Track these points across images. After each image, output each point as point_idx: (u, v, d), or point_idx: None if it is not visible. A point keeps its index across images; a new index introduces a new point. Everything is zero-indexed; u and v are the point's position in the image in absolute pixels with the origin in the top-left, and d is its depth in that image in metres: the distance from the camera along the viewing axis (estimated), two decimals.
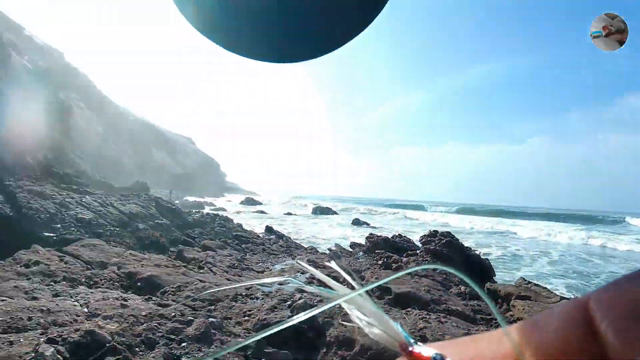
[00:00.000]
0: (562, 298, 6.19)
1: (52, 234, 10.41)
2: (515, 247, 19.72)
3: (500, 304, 6.14)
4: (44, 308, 3.59)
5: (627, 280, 0.24)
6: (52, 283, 4.67)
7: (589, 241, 23.15)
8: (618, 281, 0.24)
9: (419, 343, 0.26)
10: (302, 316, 0.26)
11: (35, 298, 3.98)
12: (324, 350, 3.66)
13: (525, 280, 7.28)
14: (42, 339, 2.87)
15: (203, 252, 7.89)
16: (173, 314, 3.64)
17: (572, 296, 8.01)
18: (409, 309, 4.84)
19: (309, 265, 0.35)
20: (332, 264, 0.33)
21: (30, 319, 3.36)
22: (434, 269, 7.04)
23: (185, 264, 6.34)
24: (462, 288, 6.39)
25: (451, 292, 6.22)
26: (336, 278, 0.30)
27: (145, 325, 3.28)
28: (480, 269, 8.25)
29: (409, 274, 6.34)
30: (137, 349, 2.92)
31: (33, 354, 2.51)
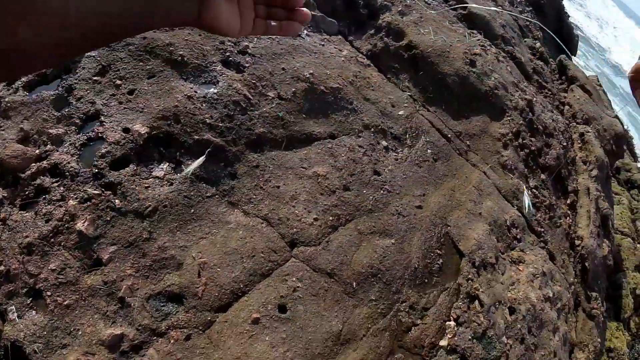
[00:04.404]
0: (615, 116, 5.94)
1: None
2: None
3: (562, 80, 5.79)
4: None
5: None
6: None
7: None
8: None
9: None
10: None
11: None
12: (372, 32, 3.51)
13: (598, 81, 6.83)
14: None
15: None
16: None
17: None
18: (474, 31, 4.48)
19: None
20: None
21: None
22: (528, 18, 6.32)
23: None
24: (538, 45, 5.85)
25: (525, 41, 5.54)
26: None
27: None
28: (564, 40, 7.57)
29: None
30: None
31: None
